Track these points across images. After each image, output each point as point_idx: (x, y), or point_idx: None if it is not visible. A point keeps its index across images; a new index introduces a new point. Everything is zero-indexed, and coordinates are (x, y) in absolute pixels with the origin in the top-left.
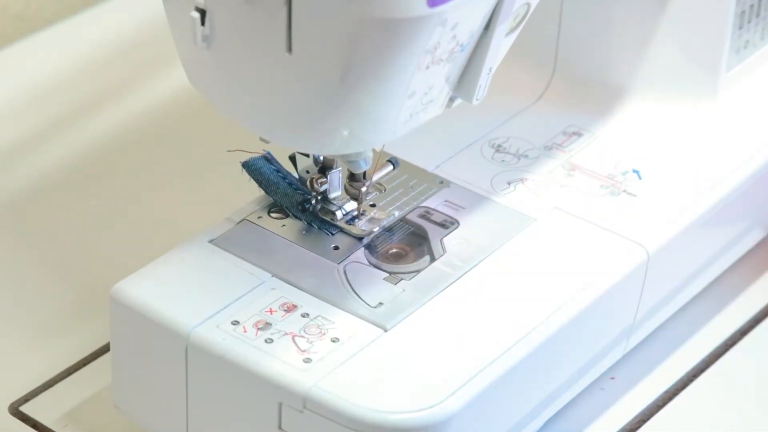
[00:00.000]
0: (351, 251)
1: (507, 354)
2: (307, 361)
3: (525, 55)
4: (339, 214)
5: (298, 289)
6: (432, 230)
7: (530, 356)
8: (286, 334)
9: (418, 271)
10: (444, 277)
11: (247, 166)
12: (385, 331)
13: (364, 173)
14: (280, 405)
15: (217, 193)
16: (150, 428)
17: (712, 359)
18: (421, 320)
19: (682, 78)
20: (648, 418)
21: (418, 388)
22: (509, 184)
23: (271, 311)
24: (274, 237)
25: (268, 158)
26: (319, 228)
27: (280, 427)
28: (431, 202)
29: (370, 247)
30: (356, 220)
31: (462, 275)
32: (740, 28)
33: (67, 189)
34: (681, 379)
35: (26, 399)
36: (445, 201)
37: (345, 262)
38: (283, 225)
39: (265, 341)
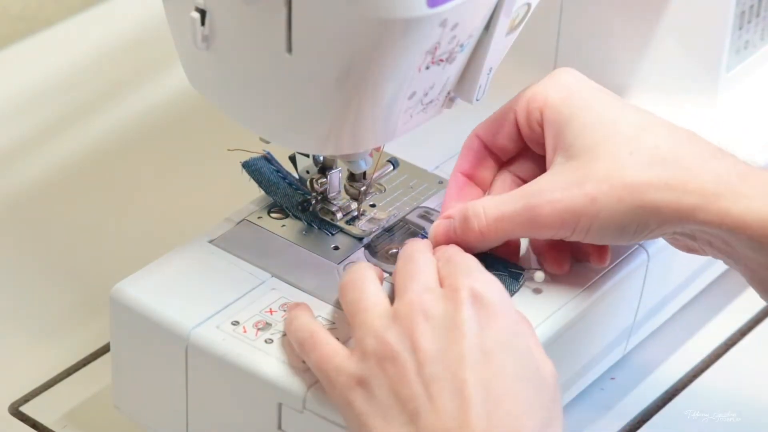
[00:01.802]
0: (351, 251)
1: None
2: None
3: (525, 55)
4: (339, 214)
5: (298, 289)
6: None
7: None
8: (286, 334)
9: None
10: None
11: (247, 166)
12: None
13: (364, 173)
14: (280, 405)
15: (217, 193)
16: (150, 428)
17: (712, 359)
18: None
19: (682, 78)
20: (648, 418)
21: None
22: None
23: (271, 311)
24: (274, 237)
25: (268, 158)
26: (319, 228)
27: (279, 428)
28: (431, 203)
29: (370, 247)
30: (356, 220)
31: None
32: (740, 28)
33: (67, 189)
34: (681, 379)
35: (26, 399)
36: None
37: (345, 263)
38: (283, 225)
39: (265, 341)
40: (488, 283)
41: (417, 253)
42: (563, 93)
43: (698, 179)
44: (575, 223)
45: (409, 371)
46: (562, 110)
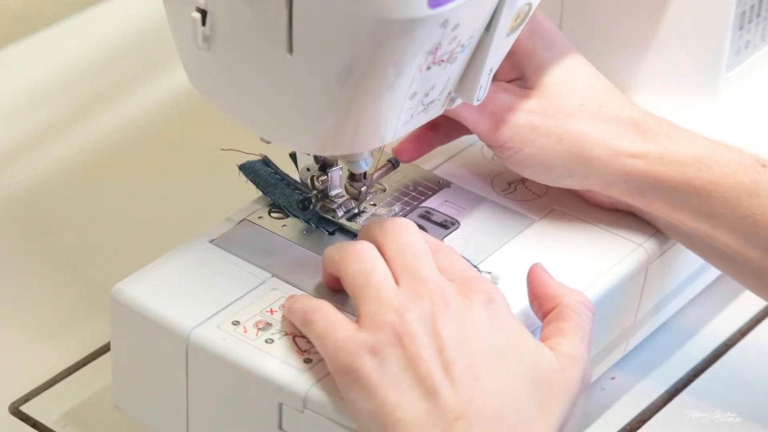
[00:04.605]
0: None
1: None
2: (308, 361)
3: None
4: (340, 211)
5: (299, 289)
6: (432, 230)
7: None
8: (287, 334)
9: None
10: None
11: (243, 168)
12: None
13: (365, 173)
14: (281, 405)
15: (217, 193)
16: (150, 428)
17: (712, 359)
18: None
19: (682, 78)
20: (648, 418)
21: None
22: (509, 184)
23: (271, 311)
24: (275, 237)
25: (266, 161)
26: (317, 227)
27: (280, 427)
28: (432, 203)
29: None
30: (357, 217)
31: None
32: (741, 28)
33: (67, 189)
34: (681, 379)
35: (26, 399)
36: (446, 201)
37: None
38: (284, 225)
39: (266, 341)
40: (497, 289)
41: (406, 233)
42: (529, 28)
43: (630, 134)
44: (510, 140)
45: (427, 350)
46: (525, 43)
